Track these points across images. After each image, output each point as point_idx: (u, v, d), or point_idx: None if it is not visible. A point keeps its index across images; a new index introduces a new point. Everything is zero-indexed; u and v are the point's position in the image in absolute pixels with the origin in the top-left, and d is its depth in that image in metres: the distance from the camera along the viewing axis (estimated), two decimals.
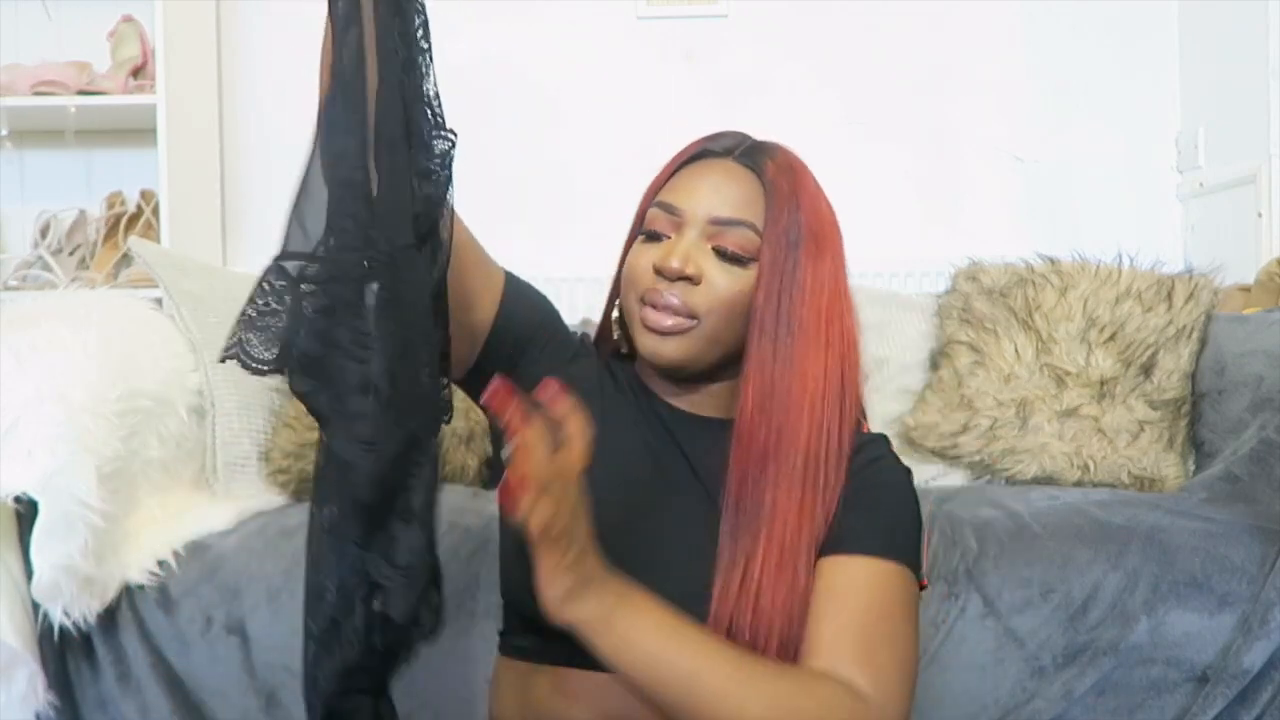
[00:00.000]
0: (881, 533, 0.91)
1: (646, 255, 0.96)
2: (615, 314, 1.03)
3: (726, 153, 0.99)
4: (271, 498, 1.59)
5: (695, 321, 0.93)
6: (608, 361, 1.05)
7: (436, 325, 0.84)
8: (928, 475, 1.75)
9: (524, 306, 1.01)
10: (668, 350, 0.94)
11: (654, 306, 0.93)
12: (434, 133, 0.81)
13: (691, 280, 0.93)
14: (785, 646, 0.87)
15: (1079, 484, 1.65)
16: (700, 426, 0.99)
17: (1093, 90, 2.52)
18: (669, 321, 0.93)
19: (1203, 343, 1.74)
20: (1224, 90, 2.36)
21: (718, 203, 0.95)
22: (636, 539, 0.90)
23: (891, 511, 0.94)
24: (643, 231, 0.98)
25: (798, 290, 0.93)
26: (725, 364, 0.97)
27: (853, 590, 0.88)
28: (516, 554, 0.87)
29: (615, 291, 1.03)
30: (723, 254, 0.94)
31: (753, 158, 0.98)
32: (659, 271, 0.93)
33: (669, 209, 0.96)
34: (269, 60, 2.54)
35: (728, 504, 0.91)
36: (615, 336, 1.04)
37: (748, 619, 0.87)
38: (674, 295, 0.93)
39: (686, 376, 0.98)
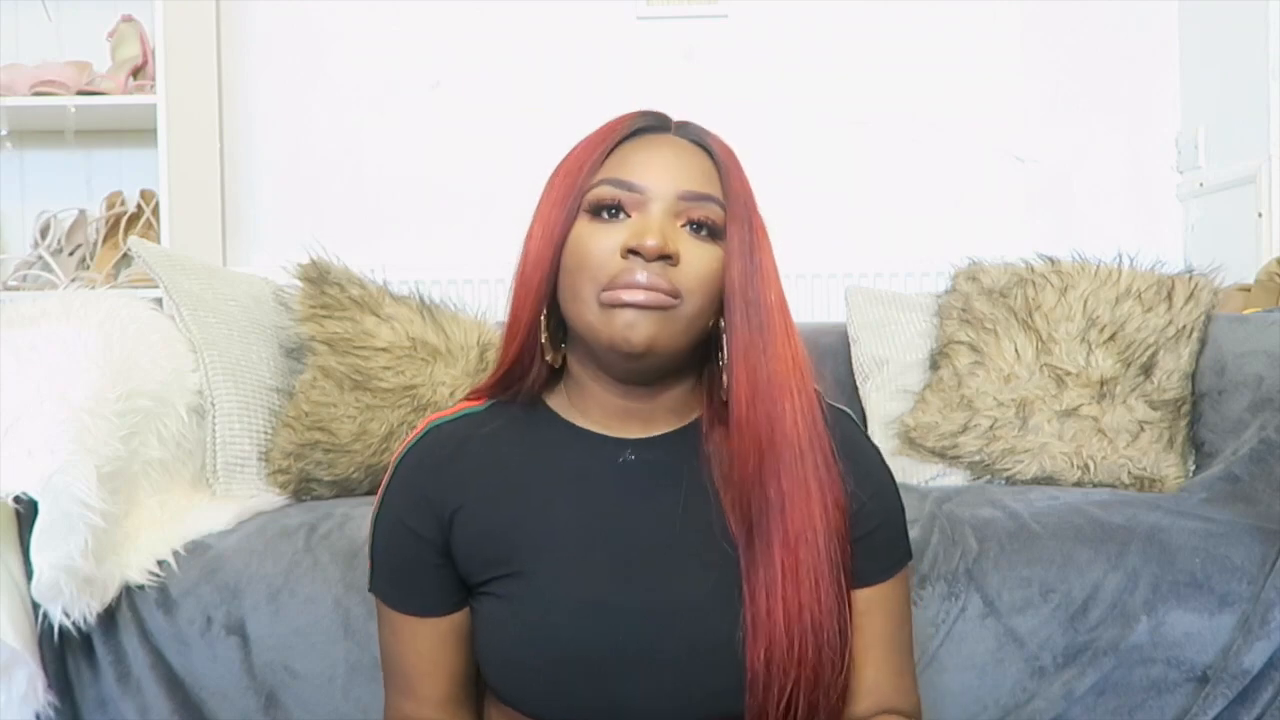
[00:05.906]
0: (891, 548, 0.94)
1: (606, 236, 0.86)
2: (544, 330, 0.92)
3: (664, 129, 0.92)
4: (271, 498, 1.59)
5: (678, 301, 0.85)
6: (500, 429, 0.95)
7: None
8: (928, 475, 1.74)
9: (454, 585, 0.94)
10: (645, 326, 0.84)
11: (627, 287, 0.84)
12: None
13: (671, 260, 0.85)
14: (818, 633, 0.86)
15: (1079, 484, 1.65)
16: (659, 448, 0.93)
17: (1093, 90, 2.52)
18: (644, 295, 0.84)
19: (1203, 343, 1.74)
20: (1224, 90, 2.36)
21: (683, 177, 0.88)
22: (653, 589, 0.88)
23: (893, 516, 0.95)
24: (593, 209, 0.88)
25: (761, 273, 0.88)
26: (688, 362, 0.92)
27: (877, 616, 0.92)
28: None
29: (530, 306, 0.91)
30: (698, 228, 0.87)
31: (693, 134, 0.92)
32: (634, 252, 0.84)
33: (626, 186, 0.87)
34: (269, 60, 2.54)
35: (736, 504, 0.87)
36: (549, 358, 0.93)
37: (780, 619, 0.85)
38: (653, 274, 0.84)
39: (650, 370, 0.89)
